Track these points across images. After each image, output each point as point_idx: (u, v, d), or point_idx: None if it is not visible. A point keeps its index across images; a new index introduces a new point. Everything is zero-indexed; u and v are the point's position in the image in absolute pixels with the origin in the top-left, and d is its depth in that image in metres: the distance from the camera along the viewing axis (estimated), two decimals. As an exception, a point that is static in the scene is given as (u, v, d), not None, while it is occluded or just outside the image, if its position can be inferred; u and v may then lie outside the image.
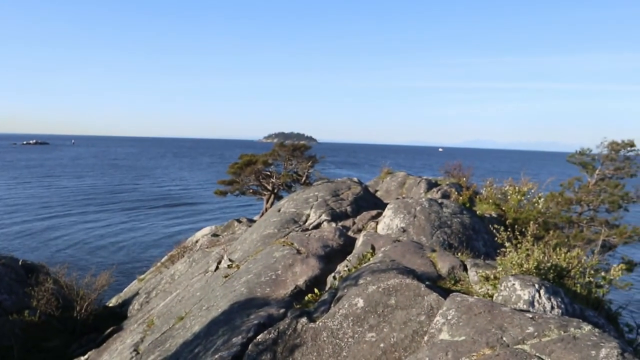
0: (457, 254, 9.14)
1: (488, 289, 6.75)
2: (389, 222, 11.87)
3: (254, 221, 21.14)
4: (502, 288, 6.13)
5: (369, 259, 8.69)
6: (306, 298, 7.79)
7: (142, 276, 20.61)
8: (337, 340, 6.02)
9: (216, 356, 6.68)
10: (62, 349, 13.33)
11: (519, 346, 4.56)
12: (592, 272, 7.12)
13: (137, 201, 61.02)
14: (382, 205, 15.53)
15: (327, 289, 8.30)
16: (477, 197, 16.72)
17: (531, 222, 8.66)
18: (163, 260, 21.50)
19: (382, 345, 5.74)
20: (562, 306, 5.82)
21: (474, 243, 11.37)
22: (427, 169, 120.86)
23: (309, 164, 20.70)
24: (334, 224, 13.34)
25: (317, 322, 6.40)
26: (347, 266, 8.79)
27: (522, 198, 16.21)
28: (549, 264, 6.88)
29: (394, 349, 5.66)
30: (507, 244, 7.45)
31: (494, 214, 15.33)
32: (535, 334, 4.67)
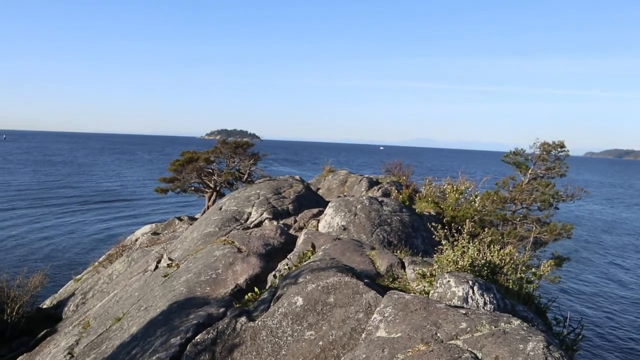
0: (396, 252, 9.31)
1: (425, 286, 6.90)
2: (330, 220, 11.96)
3: (196, 219, 20.87)
4: (438, 285, 6.28)
5: (309, 257, 8.73)
6: (246, 297, 7.76)
7: (79, 276, 19.99)
8: (277, 339, 6.03)
9: (154, 358, 6.56)
10: (-9, 354, 12.82)
11: (452, 342, 4.69)
12: (524, 268, 7.40)
13: (74, 198, 59.08)
14: (323, 204, 15.63)
15: (267, 287, 8.29)
16: (417, 195, 17.05)
17: (467, 220, 8.91)
18: (101, 259, 20.92)
19: (321, 343, 5.79)
20: (495, 302, 6.02)
21: (413, 241, 11.61)
22: (368, 167, 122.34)
23: (252, 161, 20.61)
24: (275, 222, 13.34)
25: (257, 321, 6.38)
26: (287, 264, 8.81)
27: (460, 196, 16.64)
28: (483, 261, 7.09)
29: (333, 347, 5.72)
30: (444, 242, 7.64)
31: (432, 212, 15.67)
32: (468, 329, 4.81)
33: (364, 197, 13.12)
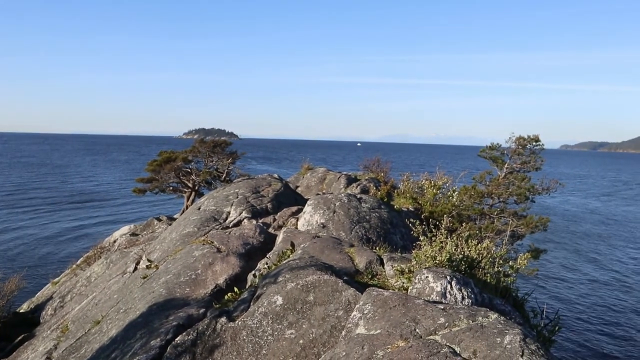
0: (375, 249, 9.36)
1: (403, 282, 6.96)
2: (309, 218, 11.98)
3: (175, 219, 20.74)
4: (417, 281, 6.34)
5: (288, 256, 8.75)
6: (226, 297, 7.75)
7: (57, 279, 19.74)
8: (257, 339, 6.04)
9: (133, 360, 6.53)
10: (-34, 360, 12.60)
11: (431, 337, 4.74)
12: (501, 262, 7.50)
13: (49, 200, 58.34)
14: (302, 202, 15.64)
15: (247, 287, 8.28)
16: (395, 191, 17.15)
17: (445, 215, 8.99)
18: (79, 262, 20.68)
19: (301, 341, 5.82)
20: (472, 296, 6.10)
21: (391, 237, 11.68)
22: (346, 164, 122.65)
23: (230, 160, 20.53)
24: (254, 221, 13.31)
25: (237, 321, 6.38)
26: (267, 263, 8.81)
27: (438, 192, 16.79)
28: (460, 256, 7.17)
29: (313, 345, 5.75)
30: (422, 238, 7.70)
31: (411, 208, 15.77)
32: (446, 324, 4.87)
33: (343, 195, 13.16)
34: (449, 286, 6.07)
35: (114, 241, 20.89)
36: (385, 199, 14.70)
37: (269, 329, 6.10)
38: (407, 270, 7.08)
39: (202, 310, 7.54)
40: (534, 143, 20.45)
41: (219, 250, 10.14)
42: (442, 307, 5.24)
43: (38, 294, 19.15)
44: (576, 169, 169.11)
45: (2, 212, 49.51)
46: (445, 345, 4.52)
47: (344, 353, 4.91)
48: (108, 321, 9.34)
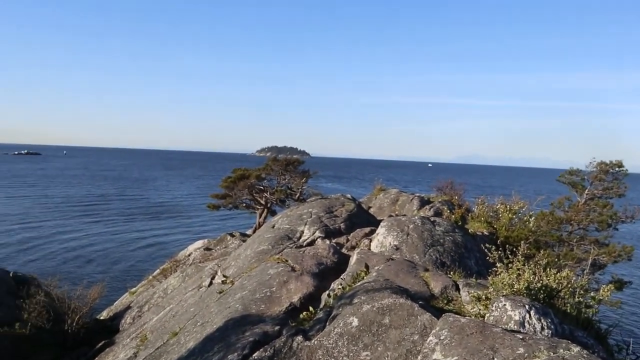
0: (450, 273, 9.27)
1: (480, 309, 6.87)
2: (382, 239, 12.00)
3: (247, 235, 21.18)
4: (494, 308, 6.26)
5: (362, 278, 8.80)
6: (301, 316, 7.88)
7: (134, 289, 20.51)
8: (332, 359, 6.12)
9: (212, 373, 6.75)
10: (53, 363, 13.29)
11: (510, 367, 4.69)
12: (582, 292, 7.26)
13: (127, 212, 61.05)
14: (375, 223, 15.65)
15: (321, 306, 8.38)
16: (469, 215, 16.89)
17: (522, 241, 8.82)
18: (155, 273, 21.43)
19: (376, 364, 5.86)
20: (552, 327, 5.96)
21: (466, 261, 11.52)
22: (416, 185, 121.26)
23: (303, 179, 20.80)
24: (327, 241, 13.42)
25: (313, 341, 6.49)
26: (341, 284, 8.89)
27: (514, 216, 16.40)
28: (539, 285, 7.01)
29: (388, 368, 5.78)
30: (498, 264, 7.59)
31: (485, 232, 15.49)
32: (526, 355, 4.79)
33: (416, 217, 13.11)
34: (527, 315, 5.96)
35: (189, 255, 21.53)
36: (459, 223, 14.51)
37: (344, 349, 6.18)
38: (484, 297, 6.99)
39: (277, 328, 7.71)
40: (617, 168, 19.63)
41: (293, 269, 10.32)
42: (521, 337, 5.16)
43: (116, 302, 19.96)
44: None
45: (84, 222, 52.25)
46: (526, 376, 4.46)
47: (421, 378, 4.92)
48: (185, 333, 9.63)
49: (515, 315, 5.97)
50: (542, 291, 6.98)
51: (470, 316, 6.57)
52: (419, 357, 5.52)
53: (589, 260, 14.48)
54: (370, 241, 12.59)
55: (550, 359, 4.64)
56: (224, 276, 12.57)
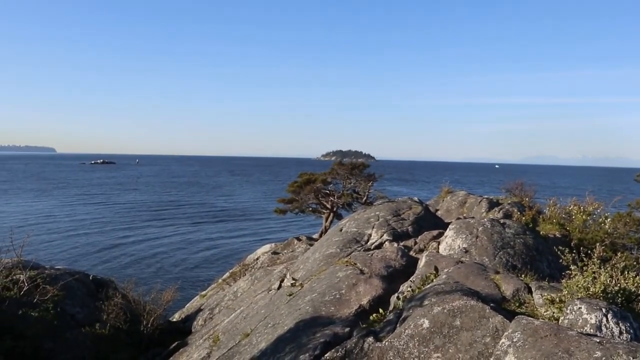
0: (521, 276, 9.12)
1: (553, 312, 6.75)
2: (451, 242, 11.92)
3: (314, 239, 21.40)
4: (568, 312, 6.15)
5: (432, 280, 8.79)
6: (371, 317, 7.97)
7: (204, 292, 21.07)
8: (403, 360, 6.18)
9: (285, 373, 6.93)
10: (130, 362, 13.78)
11: (587, 370, 4.61)
12: (664, 296, 7.01)
13: (196, 217, 62.72)
14: (443, 225, 15.53)
15: (390, 309, 8.44)
16: (540, 217, 16.47)
17: (597, 244, 8.56)
18: (224, 277, 21.92)
19: (447, 365, 5.88)
20: (631, 331, 5.80)
21: (538, 264, 11.27)
22: (483, 186, 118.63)
23: (370, 183, 20.83)
24: (395, 244, 13.44)
25: (384, 342, 6.56)
26: (410, 287, 8.92)
27: (588, 218, 15.88)
28: (616, 288, 6.82)
29: (460, 370, 5.79)
30: (572, 267, 7.43)
31: (558, 235, 15.07)
32: (603, 358, 4.70)
33: (485, 219, 12.94)
34: (604, 319, 5.83)
35: (257, 258, 21.95)
36: (530, 225, 14.19)
37: (415, 351, 6.22)
38: (557, 300, 6.87)
39: (347, 329, 7.84)
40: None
41: (362, 272, 10.41)
42: (598, 340, 5.06)
43: (187, 305, 20.53)
44: None
45: (155, 227, 54.21)
46: (603, 380, 4.39)
47: (494, 380, 4.92)
48: (257, 334, 9.86)
49: (591, 318, 5.85)
50: (619, 295, 6.78)
51: (544, 319, 6.47)
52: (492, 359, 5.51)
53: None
54: (439, 244, 12.52)
55: (629, 363, 4.54)
56: (293, 279, 12.79)
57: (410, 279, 9.56)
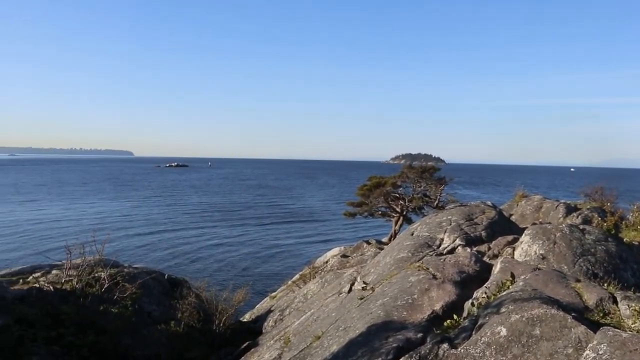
0: (604, 285, 8.72)
1: (642, 324, 6.43)
2: (527, 248, 11.55)
3: (383, 243, 21.28)
4: (659, 324, 5.83)
5: (508, 287, 8.54)
6: (445, 323, 7.82)
7: (274, 294, 21.35)
8: (480, 369, 6.03)
9: (358, 376, 6.90)
10: (202, 360, 14.12)
11: (682, 387, 4.36)
12: None
13: (265, 219, 63.80)
14: (517, 231, 15.10)
15: (464, 315, 8.26)
16: (623, 223, 15.73)
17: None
18: (294, 278, 22.14)
19: (527, 376, 5.68)
20: None
21: (621, 273, 10.76)
22: (557, 190, 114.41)
23: (441, 187, 20.52)
24: (468, 249, 13.17)
25: (459, 349, 6.42)
26: (485, 293, 8.70)
27: (676, 225, 15.05)
28: None
29: (540, 381, 5.58)
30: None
31: (643, 242, 14.34)
32: (699, 374, 4.43)
33: (563, 225, 12.46)
34: (699, 332, 5.49)
35: (326, 261, 22.03)
36: (613, 231, 13.56)
37: (492, 359, 6.06)
38: (647, 311, 6.52)
39: (420, 335, 7.72)
40: None
41: (434, 277, 10.24)
42: (695, 356, 4.77)
43: (257, 305, 20.85)
44: None
45: (226, 228, 55.59)
46: (701, 397, 4.12)
47: (579, 393, 4.71)
48: (328, 337, 9.86)
49: (684, 331, 5.52)
50: None
51: (632, 331, 6.15)
52: (575, 371, 5.29)
53: None
54: (514, 250, 12.16)
55: None
56: (364, 282, 12.74)
57: (485, 285, 9.32)
